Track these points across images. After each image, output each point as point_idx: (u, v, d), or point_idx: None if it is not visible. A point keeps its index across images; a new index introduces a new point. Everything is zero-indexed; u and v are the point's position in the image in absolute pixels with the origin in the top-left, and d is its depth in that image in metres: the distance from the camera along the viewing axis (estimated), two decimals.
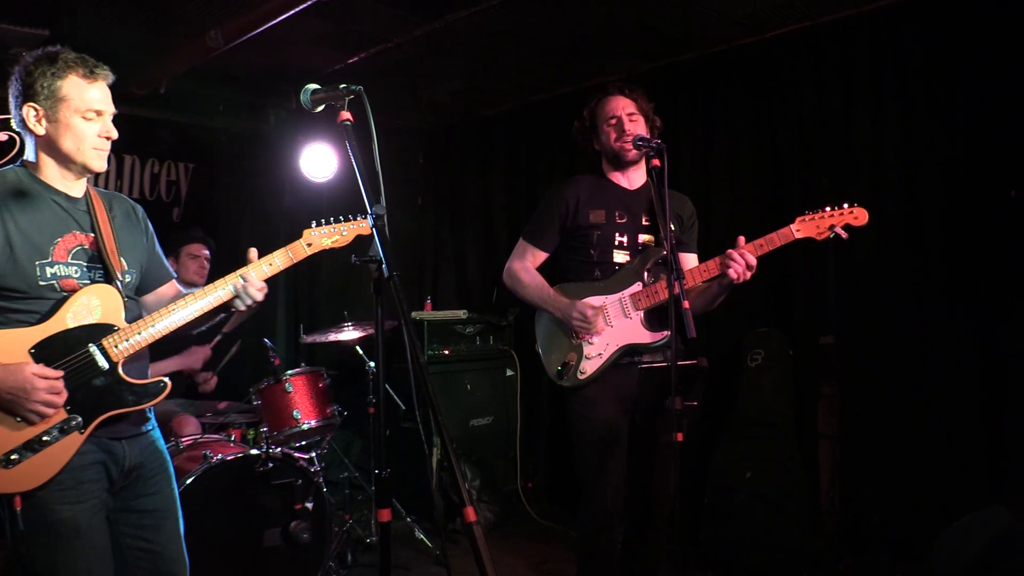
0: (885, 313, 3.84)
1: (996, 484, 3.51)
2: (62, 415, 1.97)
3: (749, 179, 4.38)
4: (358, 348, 4.32)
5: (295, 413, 3.77)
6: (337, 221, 2.39)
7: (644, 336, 2.90)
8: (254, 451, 3.44)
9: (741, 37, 4.30)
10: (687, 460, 3.76)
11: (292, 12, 3.53)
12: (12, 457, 1.90)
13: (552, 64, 4.84)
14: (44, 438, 1.94)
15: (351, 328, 4.32)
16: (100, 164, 2.15)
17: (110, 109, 2.13)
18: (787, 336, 4.16)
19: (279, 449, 3.51)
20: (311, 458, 3.74)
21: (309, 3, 3.42)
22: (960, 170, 3.64)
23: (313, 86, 2.07)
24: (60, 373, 1.96)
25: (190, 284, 3.99)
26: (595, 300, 2.91)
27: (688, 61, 4.62)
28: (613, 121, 3.00)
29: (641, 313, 2.91)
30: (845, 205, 2.78)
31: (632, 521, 3.04)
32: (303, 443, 3.92)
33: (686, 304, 2.45)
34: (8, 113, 3.41)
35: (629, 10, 3.96)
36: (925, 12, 3.73)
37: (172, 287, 2.40)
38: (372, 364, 4.24)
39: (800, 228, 2.79)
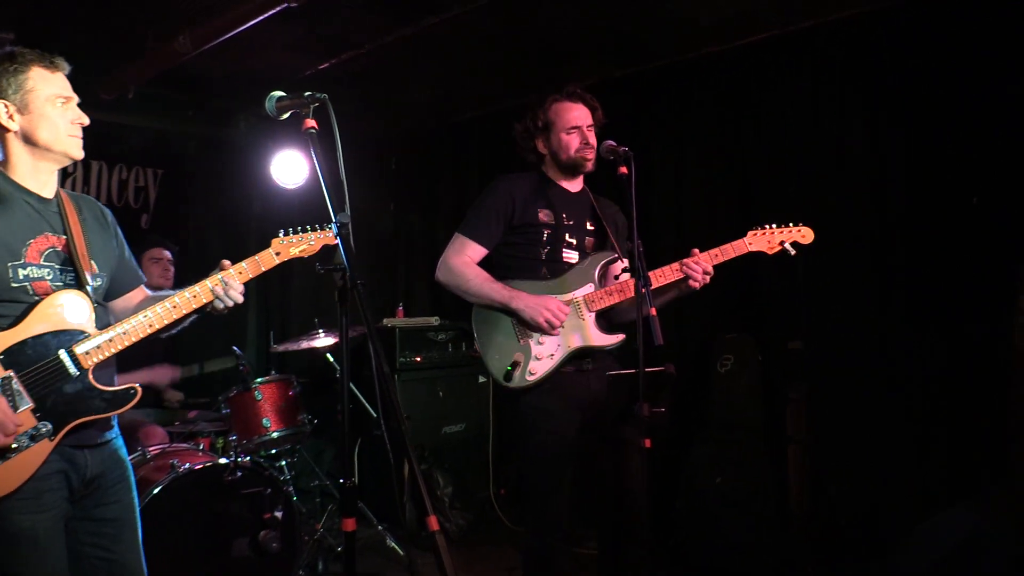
0: (851, 318, 3.91)
1: (962, 486, 3.57)
2: (32, 422, 1.94)
3: (719, 185, 4.43)
4: (328, 355, 4.30)
5: (264, 421, 3.76)
6: (304, 230, 2.37)
7: (598, 339, 2.86)
8: (223, 460, 3.41)
9: (711, 44, 4.36)
10: (658, 465, 3.81)
11: (262, 17, 3.52)
12: None
13: (525, 70, 4.85)
14: (13, 446, 1.91)
15: (323, 335, 4.30)
16: (78, 151, 2.16)
17: (76, 97, 2.15)
18: (756, 341, 4.20)
19: (248, 458, 3.48)
20: (281, 467, 3.72)
21: (279, 8, 3.39)
22: (923, 177, 3.72)
23: (278, 93, 2.07)
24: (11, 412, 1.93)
25: (156, 288, 3.94)
26: (548, 299, 2.85)
27: (659, 68, 4.66)
28: (574, 131, 2.97)
29: (593, 315, 2.88)
30: (791, 224, 2.90)
31: (607, 529, 3.04)
32: (273, 451, 3.89)
33: (653, 311, 2.44)
34: None
35: (601, 17, 4.00)
36: (888, 23, 3.81)
37: (141, 292, 2.39)
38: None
39: (752, 241, 2.87)
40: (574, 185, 3.07)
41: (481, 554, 4.48)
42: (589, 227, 3.02)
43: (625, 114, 3.21)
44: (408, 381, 4.82)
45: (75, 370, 2.02)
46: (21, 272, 2.01)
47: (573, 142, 2.97)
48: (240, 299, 2.23)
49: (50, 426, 1.97)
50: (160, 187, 5.16)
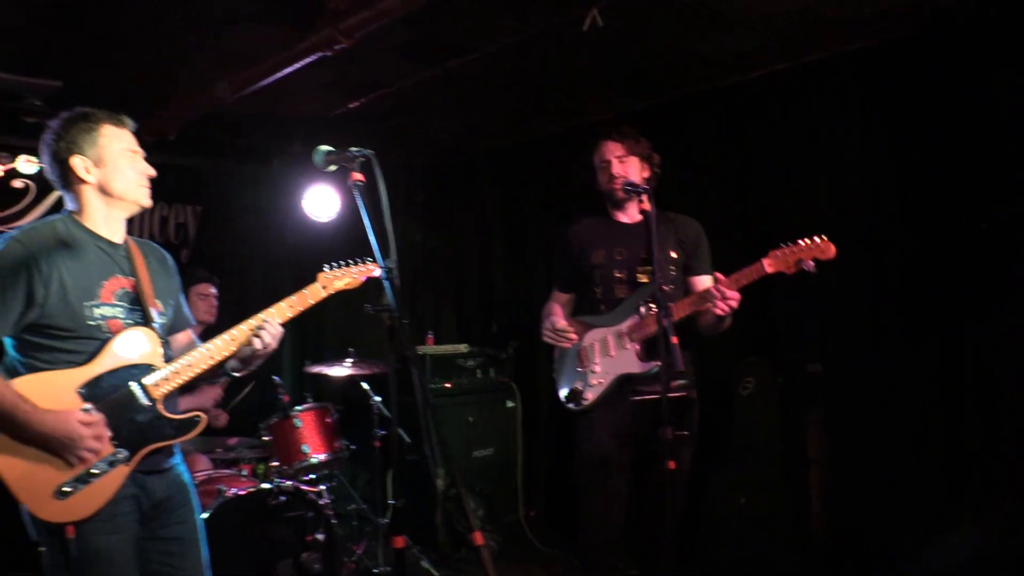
0: (869, 341, 4.00)
1: (979, 505, 3.64)
2: (109, 449, 2.12)
3: (733, 213, 4.56)
4: (363, 384, 4.47)
5: (304, 447, 3.92)
6: (348, 264, 2.55)
7: (636, 366, 3.07)
8: (265, 485, 3.57)
9: (722, 78, 4.50)
10: (685, 486, 3.94)
11: (298, 65, 3.72)
12: (65, 489, 2.05)
13: (542, 104, 5.04)
14: (93, 471, 2.09)
15: (352, 365, 4.45)
16: (147, 199, 2.37)
17: (142, 152, 2.37)
18: (775, 364, 4.31)
19: (290, 483, 3.65)
20: (320, 491, 3.87)
21: (315, 57, 3.60)
22: (933, 203, 3.82)
23: (326, 148, 2.25)
24: (102, 418, 2.12)
25: (201, 323, 4.13)
26: (598, 332, 3.16)
27: (672, 100, 4.81)
28: (605, 165, 3.24)
29: (636, 345, 3.08)
30: (814, 238, 2.90)
31: (638, 551, 3.21)
32: (312, 476, 4.04)
33: (674, 339, 2.59)
34: (13, 159, 3.65)
35: (617, 55, 4.16)
36: (893, 56, 3.93)
37: (187, 335, 2.55)
38: (378, 399, 4.40)
39: (771, 263, 2.94)
40: (630, 215, 3.28)
41: (512, 574, 4.61)
42: (643, 255, 3.18)
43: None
44: (439, 407, 4.97)
45: (146, 400, 2.20)
46: (96, 311, 2.20)
47: (603, 176, 3.24)
48: (275, 344, 2.39)
49: (126, 453, 2.15)
50: (199, 223, 5.40)
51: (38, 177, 4.90)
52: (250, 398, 4.54)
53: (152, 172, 2.36)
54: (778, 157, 4.37)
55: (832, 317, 4.12)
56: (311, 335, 5.88)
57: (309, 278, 6.63)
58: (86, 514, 2.09)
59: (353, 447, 4.15)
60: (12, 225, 4.77)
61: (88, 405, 2.11)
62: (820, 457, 4.11)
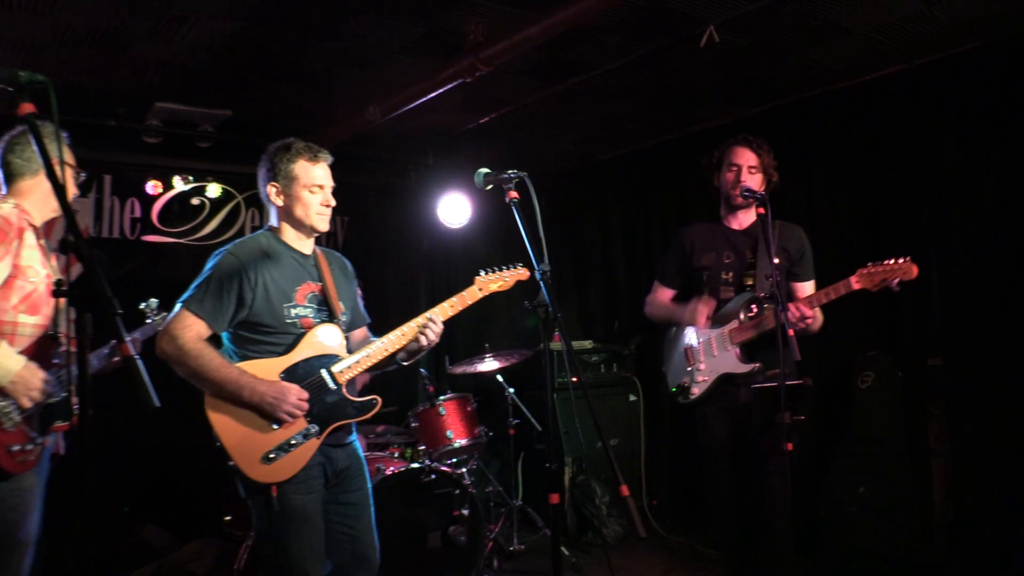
0: (988, 335, 4.05)
1: None
2: (304, 424, 2.58)
3: (849, 215, 4.67)
4: (498, 376, 4.87)
5: (448, 433, 4.33)
6: (500, 269, 2.92)
7: (738, 367, 3.35)
8: (415, 465, 4.01)
9: (838, 81, 4.63)
10: (802, 475, 4.12)
11: (442, 91, 4.14)
12: (270, 456, 2.52)
13: (661, 113, 5.29)
14: (292, 442, 2.55)
15: (491, 358, 4.86)
16: (323, 226, 2.77)
17: (330, 184, 2.76)
18: (895, 358, 4.40)
19: (436, 464, 4.07)
20: (462, 473, 4.28)
21: (456, 83, 4.01)
22: None
23: (485, 171, 2.61)
24: (303, 388, 2.57)
25: None
26: (704, 332, 3.45)
27: (788, 104, 4.95)
28: (734, 168, 3.44)
29: (737, 347, 3.35)
30: (896, 260, 3.04)
31: (753, 531, 3.41)
32: (454, 460, 4.46)
33: (791, 332, 2.87)
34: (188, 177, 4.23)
35: (732, 66, 4.36)
36: (1008, 54, 3.97)
37: (363, 331, 2.98)
38: (512, 390, 4.80)
39: (858, 280, 3.10)
40: (743, 221, 3.51)
41: (638, 558, 4.88)
42: (749, 258, 3.44)
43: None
44: (565, 400, 5.30)
45: (333, 385, 2.65)
46: (293, 311, 2.66)
47: (730, 179, 3.46)
48: (436, 339, 2.77)
49: (317, 428, 2.60)
50: (347, 232, 5.97)
51: (211, 196, 5.59)
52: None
53: (332, 203, 2.76)
54: (893, 158, 4.47)
55: (951, 313, 4.19)
56: (446, 334, 6.34)
57: (441, 280, 7.23)
58: (286, 477, 2.55)
59: (491, 433, 4.54)
60: (192, 237, 5.46)
61: None
62: (942, 449, 4.21)
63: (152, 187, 5.25)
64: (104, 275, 1.50)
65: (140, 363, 1.54)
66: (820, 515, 4.37)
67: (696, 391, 3.43)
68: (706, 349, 3.44)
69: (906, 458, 4.26)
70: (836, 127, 4.78)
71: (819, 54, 4.20)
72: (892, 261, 3.05)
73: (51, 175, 1.59)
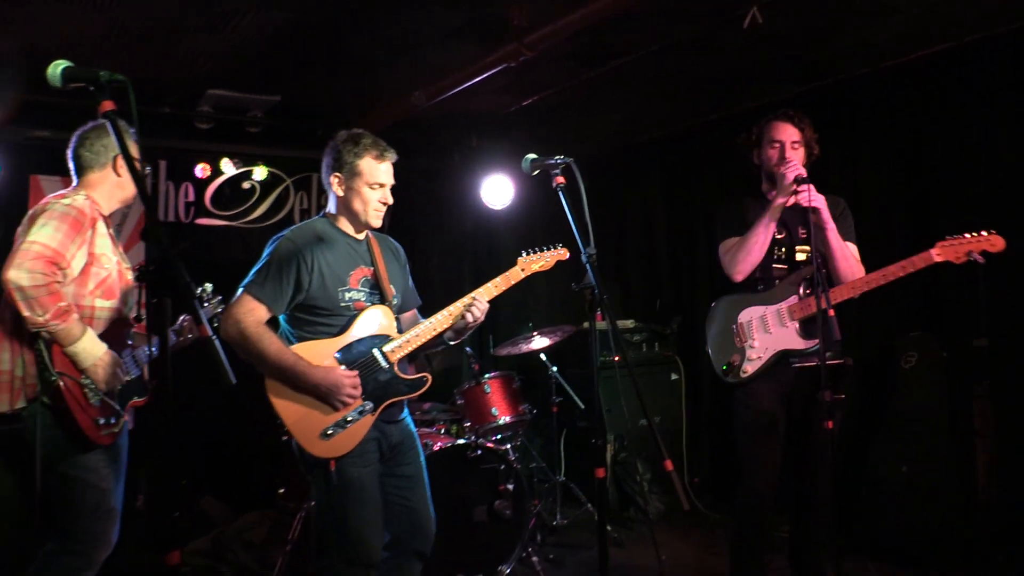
0: None
1: None
2: (359, 402, 2.69)
3: (896, 194, 4.65)
4: (542, 355, 4.96)
5: (493, 410, 4.44)
6: (542, 250, 3.01)
7: (798, 343, 3.31)
8: (461, 441, 4.13)
9: (885, 60, 4.58)
10: (843, 454, 4.14)
11: (486, 75, 4.20)
12: (328, 432, 2.65)
13: (703, 94, 5.28)
14: (348, 419, 2.67)
15: (538, 337, 4.93)
16: (377, 223, 2.88)
17: (390, 182, 2.85)
18: (939, 339, 4.40)
19: (482, 440, 4.19)
20: (507, 449, 4.38)
21: (499, 68, 4.07)
22: None
23: (532, 156, 2.67)
24: (356, 374, 2.69)
25: None
26: (757, 309, 3.39)
27: (834, 83, 4.91)
28: (777, 145, 3.39)
29: (796, 323, 3.32)
30: (983, 232, 3.04)
31: (794, 510, 3.47)
32: (499, 437, 4.57)
33: (831, 312, 2.87)
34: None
35: (776, 47, 4.35)
36: None
37: (413, 313, 3.09)
38: (555, 369, 4.88)
39: (940, 252, 3.09)
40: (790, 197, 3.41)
41: (679, 534, 4.98)
42: (802, 235, 3.40)
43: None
44: (607, 379, 5.37)
45: (385, 364, 2.76)
46: (347, 294, 2.77)
47: (774, 155, 3.40)
48: (481, 316, 2.87)
49: (371, 405, 2.72)
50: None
51: (261, 180, 5.74)
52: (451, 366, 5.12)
53: (389, 201, 2.86)
54: (941, 137, 4.44)
55: (998, 293, 4.16)
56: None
57: (484, 260, 7.32)
58: (343, 452, 2.68)
59: (535, 411, 4.64)
60: (243, 221, 5.62)
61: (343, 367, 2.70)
62: (987, 430, 4.20)
63: (201, 170, 5.39)
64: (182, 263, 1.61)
65: (217, 343, 1.66)
66: (861, 494, 4.40)
67: (749, 369, 3.35)
68: (760, 326, 3.37)
69: (949, 439, 4.27)
70: (882, 107, 4.75)
71: (865, 33, 4.17)
72: (977, 233, 3.05)
73: (132, 169, 1.71)
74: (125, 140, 1.72)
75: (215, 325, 2.79)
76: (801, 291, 3.33)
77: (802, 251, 3.40)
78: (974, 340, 4.26)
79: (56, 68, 1.79)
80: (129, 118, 1.73)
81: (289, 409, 2.66)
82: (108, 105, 1.73)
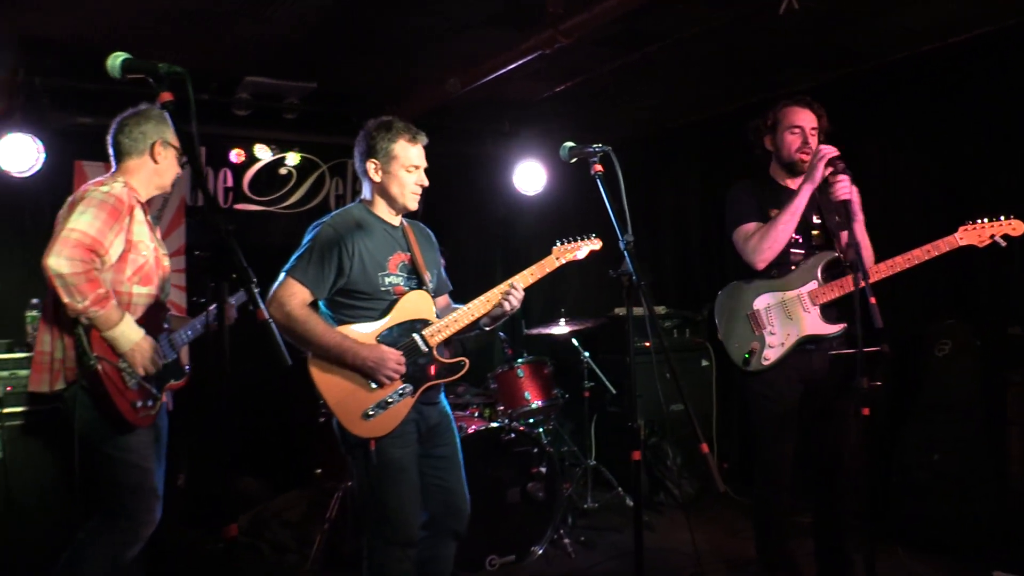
0: None
1: None
2: (399, 384, 2.76)
3: (930, 180, 4.62)
4: (573, 340, 5.01)
5: (526, 395, 4.50)
6: (577, 239, 3.05)
7: (822, 328, 3.31)
8: (494, 424, 4.20)
9: (920, 45, 4.53)
10: (875, 440, 4.13)
11: (521, 62, 4.23)
12: (369, 413, 2.72)
13: (738, 79, 5.26)
14: (388, 400, 2.74)
15: (565, 323, 4.99)
16: (414, 205, 2.94)
17: (424, 164, 2.91)
18: (973, 327, 4.36)
19: (515, 424, 4.25)
20: (539, 433, 4.45)
21: (535, 55, 4.10)
22: None
23: (570, 144, 2.71)
24: (401, 352, 2.75)
25: None
26: (774, 295, 3.37)
27: (869, 69, 4.88)
28: (796, 131, 3.37)
29: (818, 308, 3.32)
30: (1002, 217, 3.08)
31: (822, 496, 3.46)
32: (531, 420, 4.64)
33: (872, 299, 2.83)
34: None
35: (812, 31, 4.32)
36: None
37: (445, 298, 3.15)
38: (587, 354, 4.93)
39: (963, 236, 3.11)
40: (797, 182, 3.37)
41: (708, 518, 5.01)
42: (815, 221, 3.39)
43: (834, 113, 3.55)
44: (639, 364, 5.38)
45: (424, 347, 2.82)
46: (387, 279, 2.84)
47: (794, 142, 3.38)
48: (518, 303, 2.91)
49: (411, 387, 2.79)
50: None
51: (297, 166, 5.82)
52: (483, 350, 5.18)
53: (425, 183, 2.92)
54: (982, 123, 4.39)
55: None
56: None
57: (518, 246, 7.37)
58: (383, 432, 2.75)
59: (567, 396, 4.70)
60: (280, 206, 5.72)
61: None
62: (1020, 419, 4.18)
63: (235, 155, 5.49)
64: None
65: (273, 326, 1.72)
66: (892, 480, 4.40)
67: (771, 356, 3.34)
68: (779, 312, 3.36)
69: (983, 427, 4.24)
70: (920, 92, 4.71)
71: (903, 17, 4.14)
72: (996, 219, 3.09)
73: (192, 160, 1.78)
74: (186, 129, 1.77)
75: (250, 309, 2.85)
76: (820, 276, 3.32)
77: (817, 237, 3.39)
78: (1008, 328, 4.25)
79: (115, 59, 1.86)
80: (185, 108, 1.78)
81: (332, 390, 2.73)
82: (166, 96, 1.79)
